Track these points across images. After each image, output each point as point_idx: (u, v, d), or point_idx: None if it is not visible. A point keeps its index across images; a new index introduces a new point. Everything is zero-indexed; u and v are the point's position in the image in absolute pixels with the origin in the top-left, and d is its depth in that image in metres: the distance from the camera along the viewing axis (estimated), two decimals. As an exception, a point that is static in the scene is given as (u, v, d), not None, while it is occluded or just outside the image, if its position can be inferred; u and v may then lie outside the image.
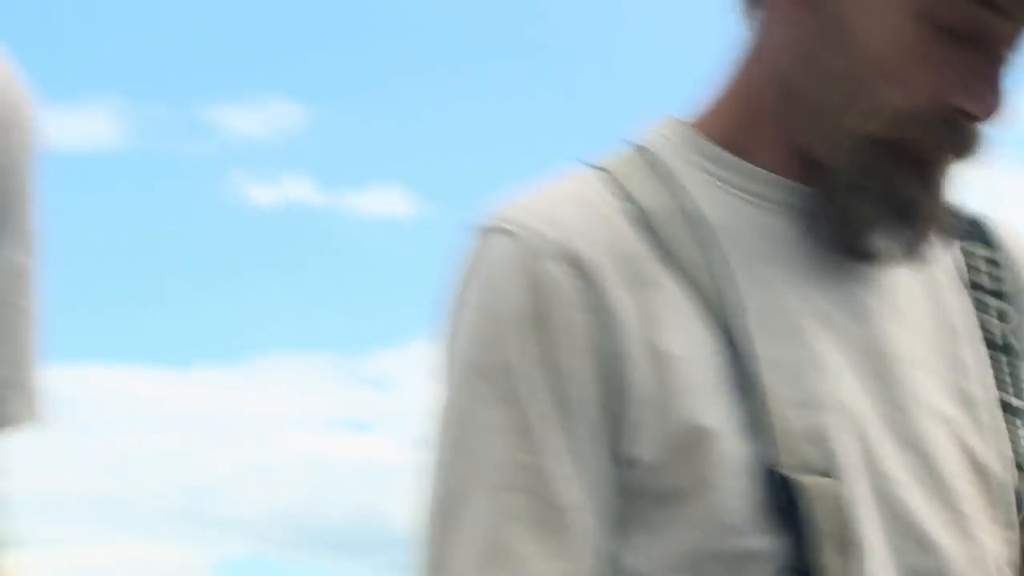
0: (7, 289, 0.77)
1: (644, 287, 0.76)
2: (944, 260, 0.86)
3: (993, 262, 0.89)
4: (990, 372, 0.84)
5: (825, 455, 0.75)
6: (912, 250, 0.79)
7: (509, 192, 0.78)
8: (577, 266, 0.75)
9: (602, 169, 0.81)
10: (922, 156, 0.77)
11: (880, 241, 0.79)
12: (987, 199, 0.88)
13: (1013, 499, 0.81)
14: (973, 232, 0.90)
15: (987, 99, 0.76)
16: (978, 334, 0.85)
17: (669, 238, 0.78)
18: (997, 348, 0.86)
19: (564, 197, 0.78)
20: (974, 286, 0.88)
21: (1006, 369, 0.86)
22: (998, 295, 0.88)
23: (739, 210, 0.80)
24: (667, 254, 0.77)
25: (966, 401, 0.81)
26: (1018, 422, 0.84)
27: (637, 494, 0.75)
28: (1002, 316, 0.88)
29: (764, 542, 0.74)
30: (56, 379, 0.79)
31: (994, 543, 0.79)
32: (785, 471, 0.74)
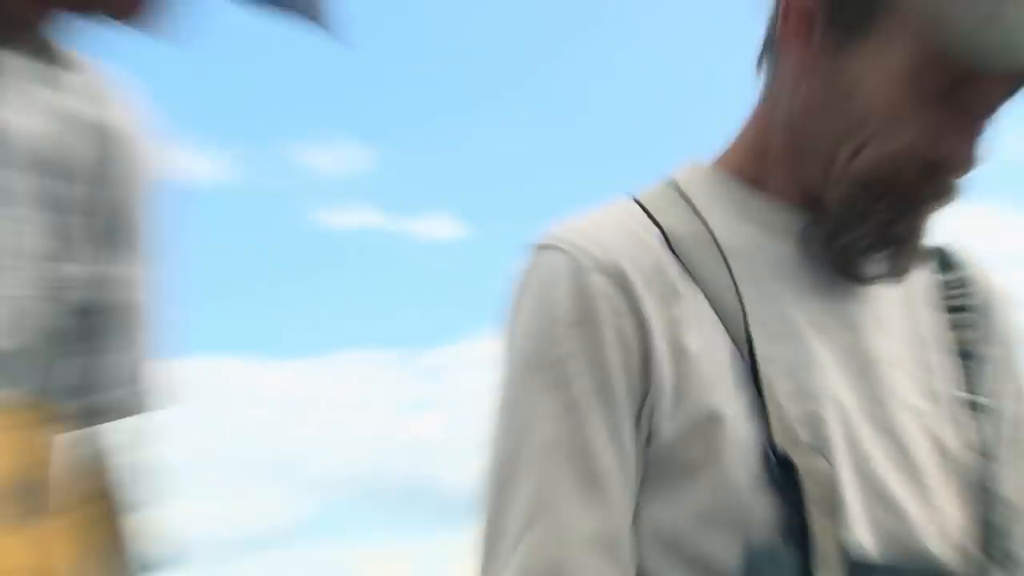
0: (126, 297, 0.85)
1: (670, 297, 0.87)
2: (919, 281, 0.96)
3: (960, 283, 0.99)
4: (954, 375, 0.94)
5: (816, 437, 0.85)
6: (894, 274, 0.90)
7: (557, 218, 0.88)
8: (617, 278, 0.86)
9: (638, 200, 0.92)
10: (907, 197, 0.86)
11: (867, 266, 0.89)
12: (959, 229, 0.97)
13: (972, 477, 0.91)
14: (944, 258, 1.00)
15: (965, 153, 0.86)
16: (945, 343, 0.95)
17: (691, 258, 0.88)
18: (961, 355, 0.95)
19: (607, 222, 0.89)
20: (943, 304, 0.98)
21: (968, 372, 0.95)
22: (963, 310, 0.98)
23: (750, 235, 0.90)
24: (689, 271, 0.88)
25: (934, 397, 0.91)
26: (978, 415, 0.94)
27: (661, 463, 0.86)
28: (965, 328, 0.97)
29: (765, 506, 0.83)
30: (186, 368, 0.89)
31: (953, 511, 0.89)
32: (782, 451, 0.84)
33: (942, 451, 0.90)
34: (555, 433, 0.85)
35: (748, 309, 0.87)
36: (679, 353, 0.85)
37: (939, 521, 0.88)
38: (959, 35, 0.80)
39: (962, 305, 0.98)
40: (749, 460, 0.84)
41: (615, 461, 0.85)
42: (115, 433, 0.82)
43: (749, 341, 0.85)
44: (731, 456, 0.84)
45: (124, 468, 0.82)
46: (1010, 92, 0.84)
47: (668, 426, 0.84)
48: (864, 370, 0.89)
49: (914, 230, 0.88)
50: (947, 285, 0.98)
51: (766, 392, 0.85)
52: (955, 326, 0.97)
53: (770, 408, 0.84)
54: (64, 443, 0.78)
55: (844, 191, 0.87)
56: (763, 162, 0.92)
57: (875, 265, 0.89)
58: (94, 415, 0.81)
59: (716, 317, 0.87)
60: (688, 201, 0.92)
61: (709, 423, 0.84)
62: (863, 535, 0.85)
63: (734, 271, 0.88)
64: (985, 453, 0.92)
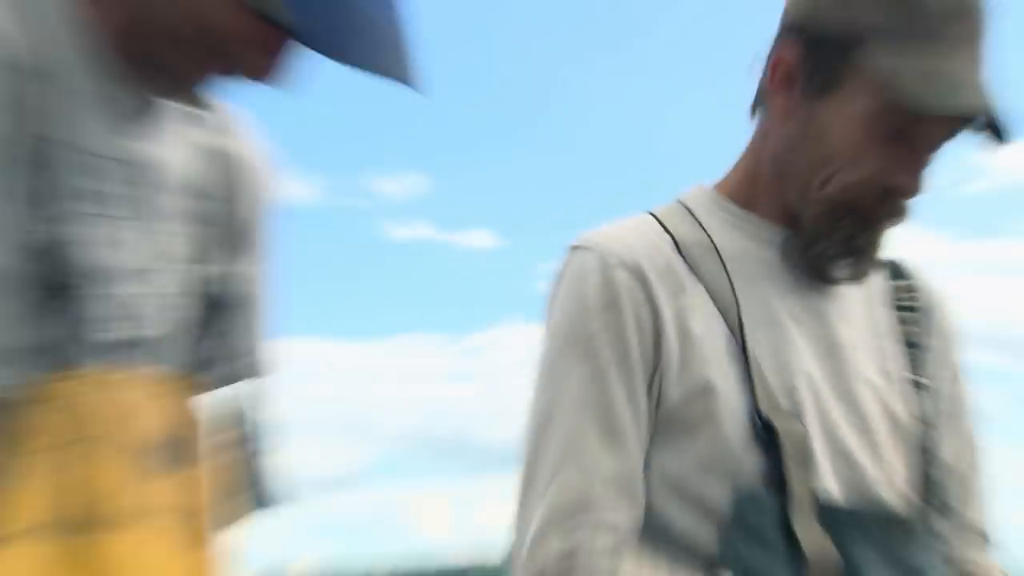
0: (246, 290, 0.94)
1: (678, 290, 1.00)
2: (877, 285, 1.09)
3: (909, 288, 1.12)
4: (903, 359, 1.07)
5: (792, 404, 0.97)
6: (856, 276, 1.03)
7: (571, 232, 1.02)
8: (636, 274, 0.99)
9: (654, 214, 1.06)
10: (866, 216, 0.99)
11: (835, 270, 1.03)
12: (912, 250, 1.12)
13: (916, 441, 1.03)
14: (897, 269, 1.13)
15: (913, 182, 0.98)
16: (896, 335, 1.08)
17: (696, 260, 1.02)
18: (908, 345, 1.09)
19: (629, 229, 1.03)
20: (895, 304, 1.11)
21: (913, 358, 1.08)
22: (911, 310, 1.11)
23: (743, 244, 1.04)
24: (694, 270, 1.01)
25: (887, 376, 1.04)
26: (921, 392, 1.06)
27: (667, 422, 0.98)
28: (912, 324, 1.10)
29: (751, 459, 0.95)
30: (285, 345, 0.99)
31: (900, 467, 1.01)
32: (765, 415, 0.96)
33: (892, 419, 1.03)
34: (583, 394, 0.98)
35: (740, 302, 1.00)
36: (684, 335, 0.98)
37: (888, 474, 1.00)
38: (907, 89, 0.93)
39: (910, 306, 1.11)
40: (739, 421, 0.96)
41: (631, 418, 0.97)
42: (239, 395, 0.93)
43: (741, 327, 0.99)
44: (724, 418, 0.96)
45: (247, 422, 0.93)
46: (949, 134, 0.97)
47: (674, 392, 0.97)
48: (831, 352, 1.02)
49: (872, 242, 1.01)
50: (898, 289, 1.12)
51: (753, 368, 0.98)
52: (904, 322, 1.10)
53: (756, 381, 0.97)
54: (201, 405, 0.87)
55: (817, 211, 1.00)
56: (754, 187, 1.06)
57: (841, 269, 1.03)
58: (223, 382, 0.91)
59: (715, 308, 1.00)
60: (694, 216, 1.05)
61: (707, 391, 0.97)
62: (830, 484, 0.97)
63: (730, 272, 1.02)
64: (926, 422, 1.05)
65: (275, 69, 0.78)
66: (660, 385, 0.98)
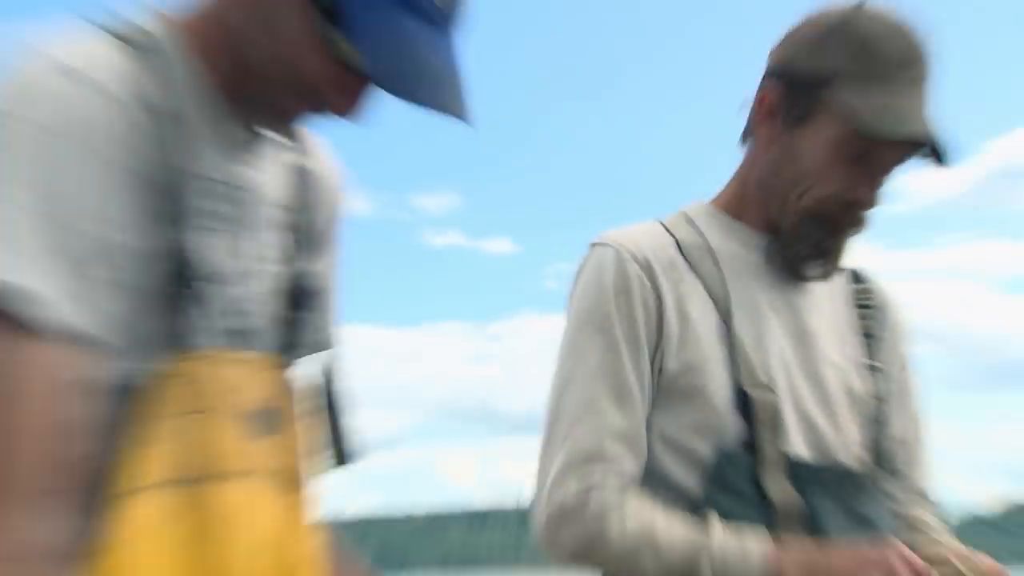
0: (323, 284, 0.99)
1: (679, 282, 1.12)
2: (841, 286, 1.22)
3: (867, 290, 1.24)
4: (861, 347, 1.19)
5: (768, 380, 1.09)
6: (824, 275, 1.16)
7: (584, 236, 1.14)
8: (645, 266, 1.11)
9: (661, 221, 1.18)
10: (834, 225, 1.11)
11: (808, 269, 1.15)
12: (868, 259, 1.25)
13: (869, 414, 1.14)
14: (857, 275, 1.25)
15: (872, 197, 1.10)
16: (856, 327, 1.20)
17: (694, 259, 1.14)
18: (865, 336, 1.20)
19: (640, 231, 1.16)
20: (855, 302, 1.23)
21: (869, 346, 1.20)
22: (868, 307, 1.23)
23: (733, 247, 1.16)
24: (692, 267, 1.13)
25: (847, 359, 1.16)
26: (875, 375, 1.17)
27: (666, 389, 1.09)
28: (869, 319, 1.22)
29: (732, 424, 1.07)
30: (345, 331, 1.05)
31: (855, 435, 1.12)
32: (746, 388, 1.08)
33: (851, 395, 1.15)
34: (598, 362, 1.10)
35: (730, 294, 1.13)
36: (683, 318, 1.11)
37: (846, 441, 1.13)
38: (866, 120, 1.06)
39: (867, 304, 1.24)
40: (724, 392, 1.08)
41: (637, 384, 1.09)
42: (321, 369, 0.99)
43: (729, 315, 1.12)
44: (712, 389, 1.08)
45: (328, 391, 0.99)
46: (901, 158, 1.09)
47: (672, 365, 1.09)
48: (802, 338, 1.15)
49: (838, 246, 1.14)
50: (858, 291, 1.24)
51: (737, 348, 1.10)
52: (862, 317, 1.22)
53: (739, 359, 1.09)
54: (292, 380, 0.94)
55: (793, 220, 1.13)
56: (743, 201, 1.19)
57: (813, 269, 1.15)
58: (308, 359, 0.98)
59: (708, 298, 1.13)
60: (694, 224, 1.19)
61: (699, 366, 1.09)
62: (797, 446, 1.09)
63: (722, 270, 1.14)
64: (879, 399, 1.17)
65: (354, 108, 0.85)
66: (661, 359, 1.11)
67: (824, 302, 1.20)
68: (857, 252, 1.18)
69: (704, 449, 1.08)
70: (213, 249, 0.85)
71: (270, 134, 0.90)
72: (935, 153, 1.07)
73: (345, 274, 1.04)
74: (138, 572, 0.78)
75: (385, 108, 0.85)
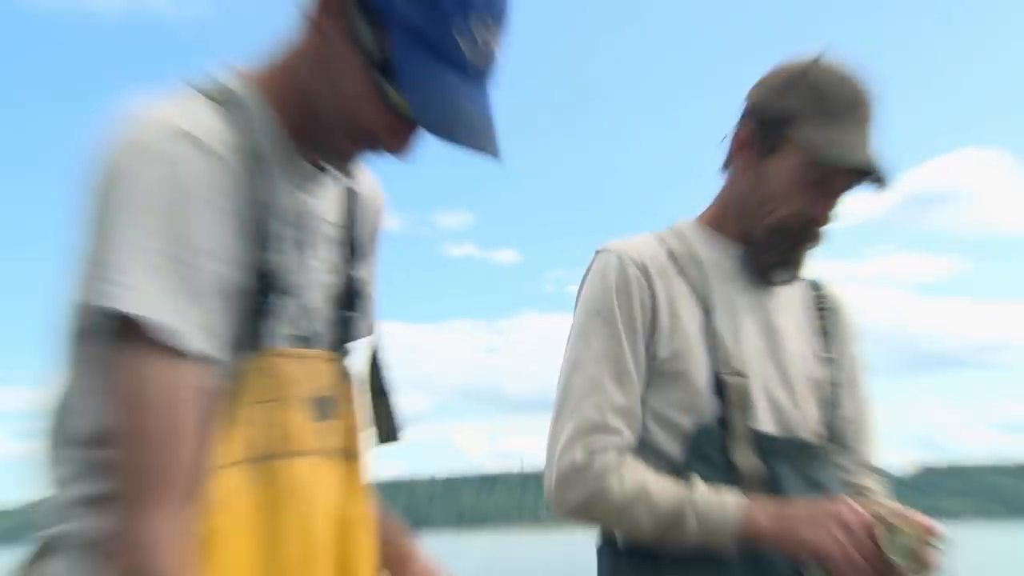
0: (367, 288, 1.06)
1: (669, 283, 1.28)
2: (803, 291, 1.39)
3: (823, 296, 1.41)
4: (819, 342, 1.36)
5: (741, 367, 1.25)
6: (789, 280, 1.33)
7: (578, 249, 1.36)
8: (642, 270, 1.28)
9: (655, 234, 1.35)
10: (796, 238, 1.28)
11: (775, 275, 1.32)
12: (823, 268, 1.42)
13: (825, 397, 1.30)
14: (816, 283, 1.42)
15: (828, 215, 1.26)
16: (814, 326, 1.37)
17: (683, 265, 1.31)
18: (823, 333, 1.37)
19: (638, 241, 1.33)
20: (814, 305, 1.39)
21: (826, 341, 1.36)
22: (824, 309, 1.39)
23: (715, 256, 1.33)
24: (680, 271, 1.30)
25: (807, 351, 1.33)
26: (830, 364, 1.34)
27: (657, 373, 1.25)
28: (825, 319, 1.39)
29: (710, 403, 1.23)
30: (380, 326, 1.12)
31: (813, 415, 1.28)
32: (722, 373, 1.24)
33: (810, 381, 1.31)
34: (603, 349, 1.26)
35: (711, 295, 1.29)
36: (672, 313, 1.27)
37: (806, 419, 1.29)
38: (822, 152, 1.22)
39: (824, 307, 1.41)
40: (704, 377, 1.24)
41: (635, 368, 1.25)
42: (364, 356, 1.08)
43: (710, 312, 1.28)
44: (695, 373, 1.25)
45: (377, 378, 1.09)
46: (851, 183, 1.25)
47: (663, 352, 1.25)
48: (770, 333, 1.31)
49: (800, 256, 1.31)
50: (816, 296, 1.42)
51: (716, 340, 1.26)
52: (820, 317, 1.39)
53: (718, 349, 1.25)
54: (345, 370, 1.04)
55: (763, 234, 1.30)
56: (723, 218, 1.37)
57: (779, 275, 1.32)
58: (359, 350, 1.07)
59: (694, 297, 1.29)
60: (682, 236, 1.36)
61: (684, 353, 1.25)
62: (765, 423, 1.25)
63: (705, 274, 1.31)
64: (833, 385, 1.34)
65: (405, 149, 0.95)
66: (654, 347, 1.27)
67: (789, 304, 1.37)
68: (814, 262, 1.36)
69: (687, 423, 1.24)
70: (286, 267, 0.96)
71: (331, 170, 1.01)
72: (877, 179, 1.25)
73: (380, 279, 1.15)
74: (221, 536, 0.87)
75: (422, 145, 0.95)
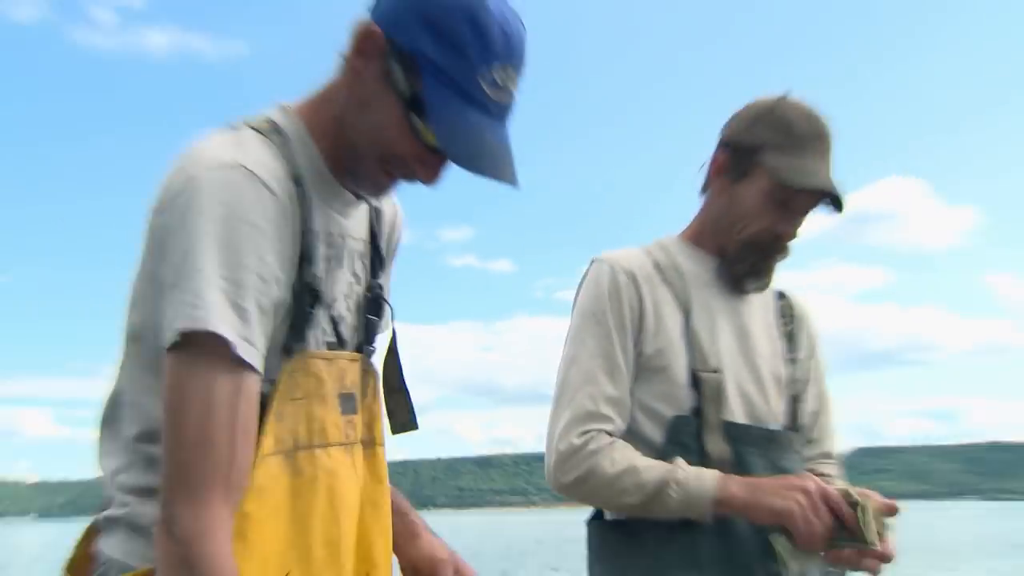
0: (385, 293, 1.15)
1: (654, 290, 1.42)
2: (771, 300, 1.53)
3: (789, 305, 1.55)
4: (784, 343, 1.49)
5: (717, 365, 1.38)
6: (759, 289, 1.46)
7: (568, 260, 2.01)
8: (632, 278, 1.41)
9: (643, 247, 1.49)
10: (763, 252, 1.41)
11: (747, 285, 1.45)
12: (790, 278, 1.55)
13: (790, 392, 1.42)
14: (782, 293, 1.55)
15: (792, 232, 1.39)
16: (780, 330, 1.50)
17: (667, 275, 1.44)
18: (787, 337, 1.50)
19: (628, 252, 1.46)
20: (780, 312, 1.52)
21: (790, 344, 1.49)
22: (789, 316, 1.53)
23: (694, 267, 1.47)
24: (665, 279, 1.43)
25: (775, 351, 1.47)
26: (794, 364, 1.47)
27: (643, 368, 1.38)
28: (789, 325, 1.52)
29: (688, 397, 1.36)
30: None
31: (780, 408, 1.42)
32: (698, 370, 1.37)
33: (777, 378, 1.45)
34: (596, 346, 1.39)
35: (691, 301, 1.43)
36: (657, 316, 1.41)
37: (773, 412, 1.43)
38: (787, 177, 1.36)
39: (790, 314, 1.55)
40: (683, 373, 1.38)
41: (624, 363, 1.38)
42: (383, 353, 1.16)
43: (689, 315, 1.42)
44: (675, 369, 1.38)
45: (393, 373, 1.16)
46: (812, 204, 1.38)
47: (648, 349, 1.38)
48: (742, 335, 1.45)
49: (769, 268, 1.45)
50: (782, 304, 1.56)
51: (694, 340, 1.39)
52: (785, 323, 1.53)
53: (695, 348, 1.39)
54: (368, 368, 1.11)
55: (736, 249, 1.43)
56: (701, 234, 1.51)
57: (750, 284, 1.46)
58: (379, 349, 1.17)
59: (675, 302, 1.42)
60: (666, 249, 1.50)
61: (666, 351, 1.38)
62: (737, 415, 1.38)
63: (686, 283, 1.45)
64: (797, 381, 1.47)
65: (434, 178, 1.02)
66: (641, 345, 1.40)
67: (759, 310, 1.52)
68: (780, 273, 1.51)
69: (667, 413, 1.38)
70: (322, 281, 1.04)
71: (365, 196, 1.10)
72: (835, 201, 1.40)
73: (395, 285, 1.25)
74: (258, 520, 0.94)
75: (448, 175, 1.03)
